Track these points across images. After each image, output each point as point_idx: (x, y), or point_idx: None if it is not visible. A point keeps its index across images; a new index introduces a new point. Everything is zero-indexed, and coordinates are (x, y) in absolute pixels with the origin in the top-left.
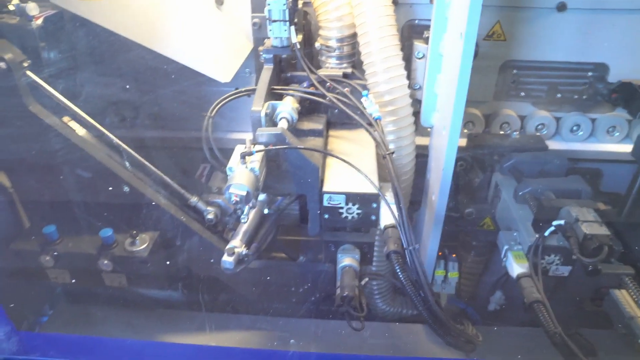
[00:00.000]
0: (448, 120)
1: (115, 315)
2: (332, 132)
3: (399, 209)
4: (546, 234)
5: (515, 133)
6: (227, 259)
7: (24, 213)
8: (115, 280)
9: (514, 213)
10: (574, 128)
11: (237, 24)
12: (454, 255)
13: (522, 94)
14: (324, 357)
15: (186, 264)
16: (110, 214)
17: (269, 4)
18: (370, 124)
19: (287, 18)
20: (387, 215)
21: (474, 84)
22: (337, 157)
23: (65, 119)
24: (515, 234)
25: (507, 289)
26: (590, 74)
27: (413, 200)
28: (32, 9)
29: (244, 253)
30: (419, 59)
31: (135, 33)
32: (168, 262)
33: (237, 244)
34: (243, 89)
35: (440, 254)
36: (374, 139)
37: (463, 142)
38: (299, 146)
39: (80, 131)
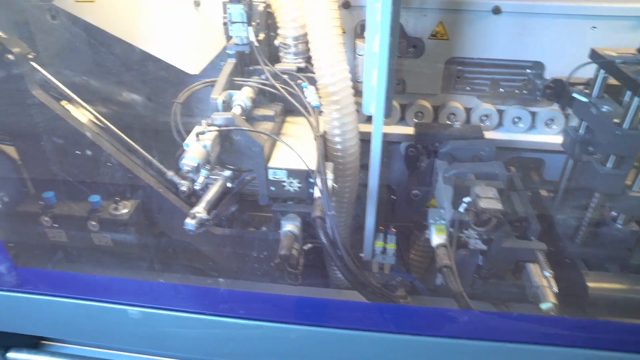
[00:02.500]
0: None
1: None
2: (290, 118)
3: (323, 181)
4: (460, 209)
5: (457, 123)
6: (189, 222)
7: (29, 181)
8: (102, 240)
9: (442, 193)
10: (516, 120)
11: (211, 23)
12: (393, 229)
13: (468, 88)
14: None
15: (161, 228)
16: (99, 184)
17: (229, 8)
18: (307, 111)
19: (245, 20)
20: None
21: (422, 78)
22: (274, 137)
23: (63, 102)
24: (442, 211)
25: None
26: (528, 71)
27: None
28: None
29: (204, 218)
30: (360, 55)
31: (119, 30)
32: (145, 225)
33: (199, 209)
34: (208, 80)
35: (382, 228)
36: (310, 123)
37: (412, 130)
38: (243, 128)
39: (75, 113)
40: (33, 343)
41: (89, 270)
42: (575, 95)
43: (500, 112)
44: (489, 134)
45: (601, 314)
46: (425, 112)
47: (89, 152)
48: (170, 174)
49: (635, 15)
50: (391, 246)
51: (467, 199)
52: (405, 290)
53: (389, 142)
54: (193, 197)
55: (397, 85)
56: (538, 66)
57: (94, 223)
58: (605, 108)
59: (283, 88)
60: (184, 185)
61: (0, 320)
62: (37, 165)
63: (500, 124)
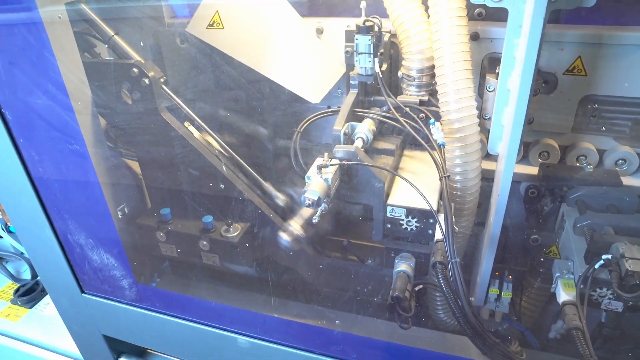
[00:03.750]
0: (505, 150)
1: (207, 286)
2: (408, 152)
3: (447, 225)
4: (596, 266)
5: (589, 166)
6: (283, 235)
7: (148, 196)
8: (211, 258)
9: (572, 244)
10: None
11: (332, 51)
12: (509, 277)
13: (603, 128)
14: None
15: (268, 252)
16: (213, 204)
17: (356, 39)
18: (433, 148)
19: (372, 51)
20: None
21: (552, 115)
22: (397, 175)
23: (186, 123)
24: (570, 263)
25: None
26: None
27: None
28: None
29: (300, 235)
30: (490, 91)
31: (246, 57)
32: (253, 248)
33: (294, 224)
34: (329, 110)
35: (497, 274)
36: (435, 161)
37: (536, 170)
38: (366, 163)
39: (196, 134)
40: (140, 351)
41: (193, 286)
42: None
43: None
44: (627, 180)
45: None
46: (551, 152)
47: (206, 173)
48: (281, 197)
49: None
50: (507, 294)
51: (606, 256)
52: (517, 342)
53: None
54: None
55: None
56: None
57: (205, 242)
58: None
59: (406, 122)
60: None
61: (118, 329)
62: (157, 182)
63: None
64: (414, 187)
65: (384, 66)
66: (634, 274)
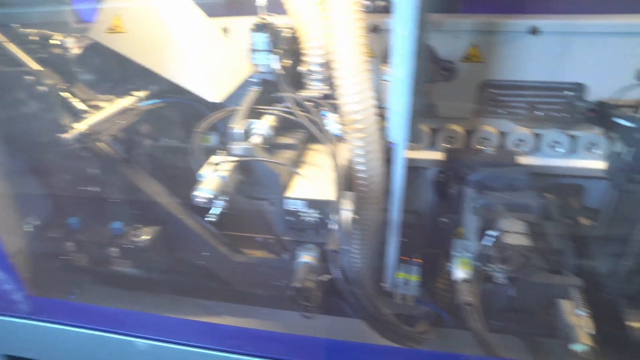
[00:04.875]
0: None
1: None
2: (315, 146)
3: (340, 214)
4: (485, 242)
5: (489, 149)
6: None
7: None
8: (122, 265)
9: (471, 224)
10: (553, 144)
11: (240, 51)
12: (417, 260)
13: (502, 111)
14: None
15: (182, 255)
16: (123, 210)
17: (253, 37)
18: (329, 140)
19: (270, 48)
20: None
21: (454, 102)
22: (290, 168)
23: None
24: (469, 242)
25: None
26: (568, 93)
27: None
28: (70, 42)
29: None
30: (386, 81)
31: (147, 60)
32: (166, 252)
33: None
34: (230, 109)
35: (406, 258)
36: (329, 152)
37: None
38: (258, 158)
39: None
40: None
41: (107, 296)
42: (617, 120)
43: (538, 136)
44: (525, 160)
45: None
46: (457, 137)
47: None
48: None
49: None
50: (415, 278)
51: (491, 233)
52: (430, 323)
53: (418, 168)
54: None
55: (427, 109)
56: (579, 88)
57: (114, 249)
58: None
59: (304, 116)
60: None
61: (11, 345)
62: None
63: (537, 149)
64: (301, 176)
65: (287, 62)
66: (509, 246)
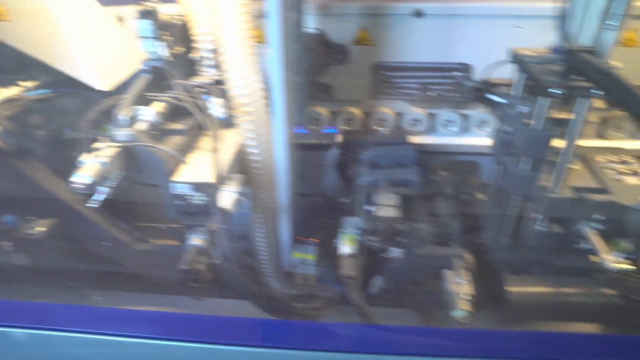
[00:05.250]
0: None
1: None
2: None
3: (221, 196)
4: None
5: (384, 129)
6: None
7: None
8: (19, 259)
9: (360, 201)
10: (447, 123)
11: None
12: (312, 240)
13: (397, 92)
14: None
15: (81, 245)
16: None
17: (138, 24)
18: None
19: (155, 35)
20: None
21: (349, 84)
22: (172, 153)
23: None
24: (357, 219)
25: (388, 273)
26: (457, 73)
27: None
28: None
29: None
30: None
31: (33, 48)
32: (63, 243)
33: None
34: (120, 97)
35: (303, 238)
36: (212, 136)
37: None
38: (139, 143)
39: None
40: None
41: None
42: (489, 96)
43: (432, 116)
44: (420, 139)
45: (522, 319)
46: (354, 119)
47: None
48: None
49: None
50: (311, 257)
51: (366, 207)
52: (326, 300)
53: (321, 150)
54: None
55: (322, 92)
56: (466, 68)
57: (8, 243)
58: (522, 109)
59: (189, 101)
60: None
61: None
62: None
63: (432, 128)
64: (182, 160)
65: (179, 49)
66: (377, 219)
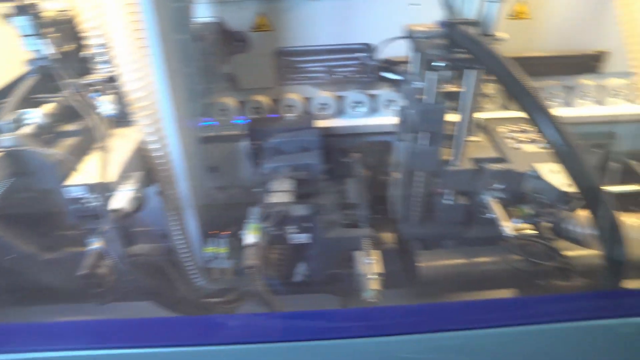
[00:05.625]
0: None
1: None
2: (117, 130)
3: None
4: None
5: (291, 115)
6: None
7: None
8: None
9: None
10: (355, 105)
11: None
12: (224, 233)
13: (303, 77)
14: None
15: None
16: None
17: (15, 22)
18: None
19: (36, 32)
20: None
21: (253, 72)
22: (56, 154)
23: None
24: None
25: (312, 260)
26: (360, 54)
27: None
28: None
29: None
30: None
31: None
32: None
33: None
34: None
35: (217, 232)
36: (99, 134)
37: None
38: (22, 148)
39: None
40: None
41: None
42: (384, 74)
43: (340, 98)
44: (330, 122)
45: (433, 293)
46: (262, 107)
47: None
48: None
49: None
50: (223, 250)
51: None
52: (240, 293)
53: (233, 141)
54: None
55: (228, 82)
56: (368, 48)
57: None
58: (417, 85)
59: (76, 100)
60: None
61: None
62: None
63: (341, 111)
64: (72, 163)
65: (69, 47)
66: (272, 205)
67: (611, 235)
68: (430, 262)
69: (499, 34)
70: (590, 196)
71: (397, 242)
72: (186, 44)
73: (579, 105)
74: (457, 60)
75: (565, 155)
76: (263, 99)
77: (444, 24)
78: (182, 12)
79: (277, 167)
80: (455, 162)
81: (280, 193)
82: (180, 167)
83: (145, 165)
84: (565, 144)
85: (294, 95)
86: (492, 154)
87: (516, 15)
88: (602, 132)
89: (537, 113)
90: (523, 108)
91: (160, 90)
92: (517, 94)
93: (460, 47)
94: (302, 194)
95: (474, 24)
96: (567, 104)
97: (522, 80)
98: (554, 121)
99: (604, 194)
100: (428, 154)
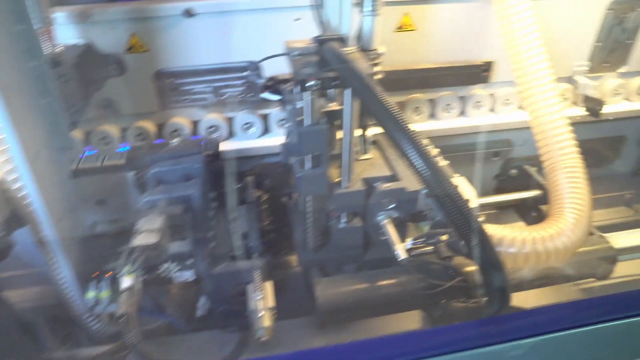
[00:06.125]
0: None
1: None
2: None
3: None
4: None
5: (175, 140)
6: None
7: None
8: None
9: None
10: (247, 126)
11: None
12: (107, 275)
13: (189, 100)
14: None
15: None
16: None
17: None
18: None
19: None
20: None
21: (133, 97)
22: None
23: None
24: None
25: (212, 295)
26: (247, 73)
27: None
28: None
29: None
30: None
31: None
32: None
33: None
34: None
35: (97, 273)
36: None
37: None
38: None
39: None
40: None
41: None
42: (262, 95)
43: (230, 120)
44: (221, 145)
45: (333, 321)
46: (147, 133)
47: None
48: None
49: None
50: (104, 294)
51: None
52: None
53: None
54: None
55: (106, 108)
56: (254, 66)
57: None
58: (298, 104)
59: None
60: None
61: None
62: None
63: (233, 133)
64: None
65: None
66: (134, 248)
67: (486, 261)
68: (328, 290)
69: (380, 47)
70: (461, 226)
71: (295, 270)
72: (40, 72)
73: (474, 115)
74: (327, 79)
75: (428, 180)
76: (147, 125)
77: (315, 40)
78: (27, 36)
79: (153, 200)
80: (345, 183)
81: (145, 233)
82: (40, 204)
83: (8, 206)
84: (429, 168)
85: (180, 119)
86: (386, 172)
87: (402, 28)
88: (498, 140)
89: (398, 135)
90: (384, 128)
91: (4, 127)
92: (378, 114)
93: (328, 64)
94: (180, 229)
95: (341, 39)
96: (464, 114)
97: (385, 101)
98: (417, 146)
99: (475, 223)
100: (314, 177)
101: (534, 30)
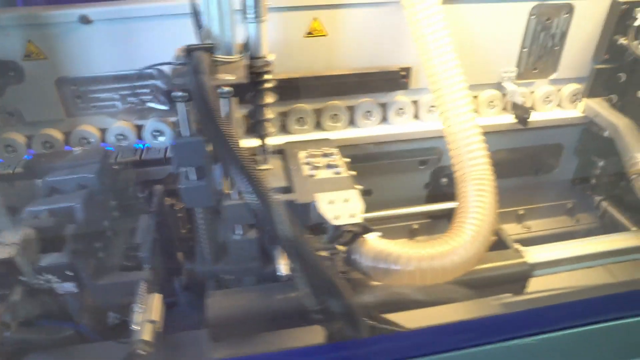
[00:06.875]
0: None
1: None
2: None
3: None
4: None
5: (78, 149)
6: None
7: None
8: None
9: None
10: (157, 134)
11: None
12: None
13: (96, 107)
14: None
15: None
16: None
17: None
18: None
19: None
20: None
21: (37, 104)
22: None
23: None
24: None
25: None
26: (153, 80)
27: None
28: None
29: None
30: None
31: None
32: None
33: None
34: None
35: None
36: None
37: None
38: None
39: None
40: None
41: None
42: (150, 104)
43: (139, 128)
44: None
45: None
46: (53, 142)
47: None
48: None
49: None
50: None
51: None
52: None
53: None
54: None
55: (9, 115)
56: (161, 74)
57: None
58: None
59: None
60: None
61: None
62: None
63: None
64: None
65: None
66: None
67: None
68: (219, 304)
69: (269, 55)
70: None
71: (189, 282)
72: None
73: (397, 123)
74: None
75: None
76: (53, 132)
77: (187, 49)
78: None
79: (36, 211)
80: (235, 195)
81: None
82: None
83: None
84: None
85: (87, 127)
86: (281, 183)
87: (313, 33)
88: (427, 148)
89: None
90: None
91: None
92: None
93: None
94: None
95: (210, 48)
96: (385, 121)
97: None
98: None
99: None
100: (197, 189)
101: (444, 35)
